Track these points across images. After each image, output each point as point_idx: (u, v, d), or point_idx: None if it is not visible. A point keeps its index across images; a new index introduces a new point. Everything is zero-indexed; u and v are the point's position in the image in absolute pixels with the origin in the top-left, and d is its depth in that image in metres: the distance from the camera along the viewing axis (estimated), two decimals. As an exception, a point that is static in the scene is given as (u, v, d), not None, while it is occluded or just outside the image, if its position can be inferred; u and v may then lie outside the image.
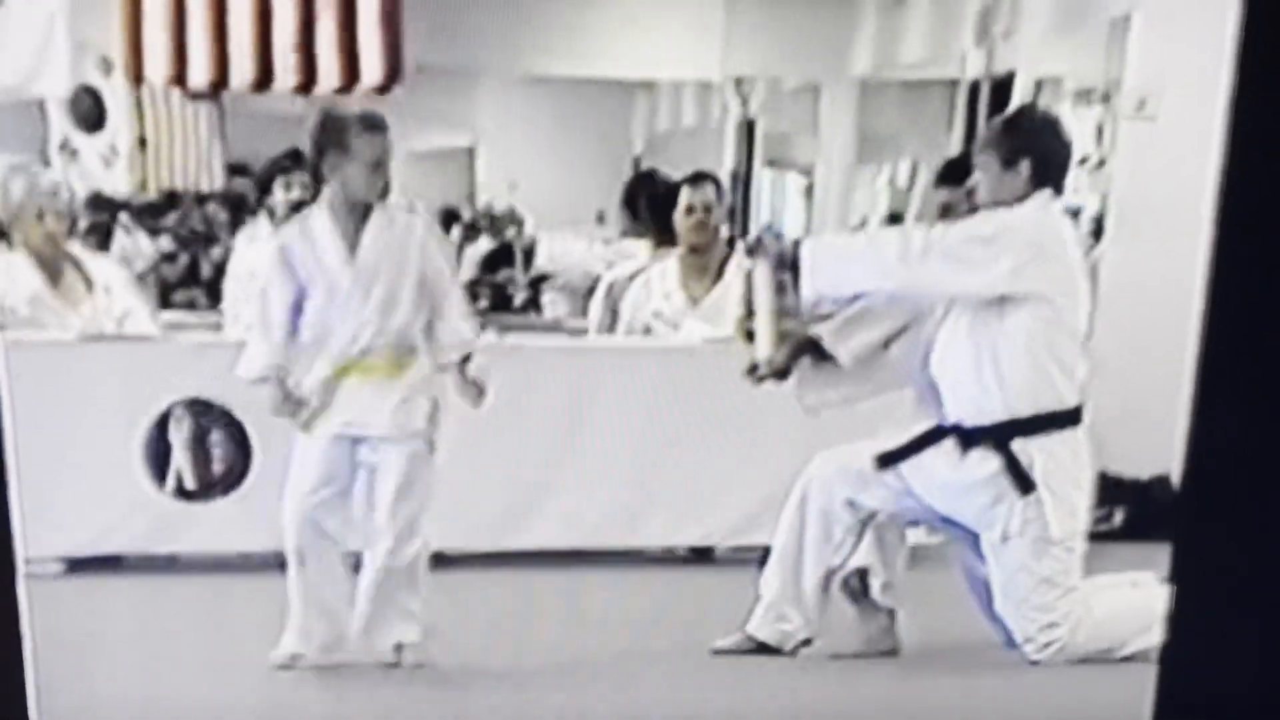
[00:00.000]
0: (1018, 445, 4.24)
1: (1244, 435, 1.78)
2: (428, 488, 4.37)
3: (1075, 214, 6.19)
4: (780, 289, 4.35)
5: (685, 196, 5.97)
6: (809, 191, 11.50)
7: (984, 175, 4.34)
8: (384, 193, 4.34)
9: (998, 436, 4.25)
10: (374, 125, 4.25)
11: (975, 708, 4.13)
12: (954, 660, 4.51)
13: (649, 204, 6.33)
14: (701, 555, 5.87)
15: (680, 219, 5.96)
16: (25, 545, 5.30)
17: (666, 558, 5.83)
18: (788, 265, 4.29)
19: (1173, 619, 1.82)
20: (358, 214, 4.28)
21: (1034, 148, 4.31)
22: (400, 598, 4.36)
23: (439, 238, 4.55)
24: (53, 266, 5.74)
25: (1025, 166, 4.28)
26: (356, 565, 4.39)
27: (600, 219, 9.98)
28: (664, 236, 6.13)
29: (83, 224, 6.92)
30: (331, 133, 4.26)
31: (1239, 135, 1.74)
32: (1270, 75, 1.72)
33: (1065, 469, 4.27)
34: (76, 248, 5.96)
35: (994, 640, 4.47)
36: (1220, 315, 1.77)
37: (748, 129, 11.38)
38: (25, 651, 1.74)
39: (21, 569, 1.72)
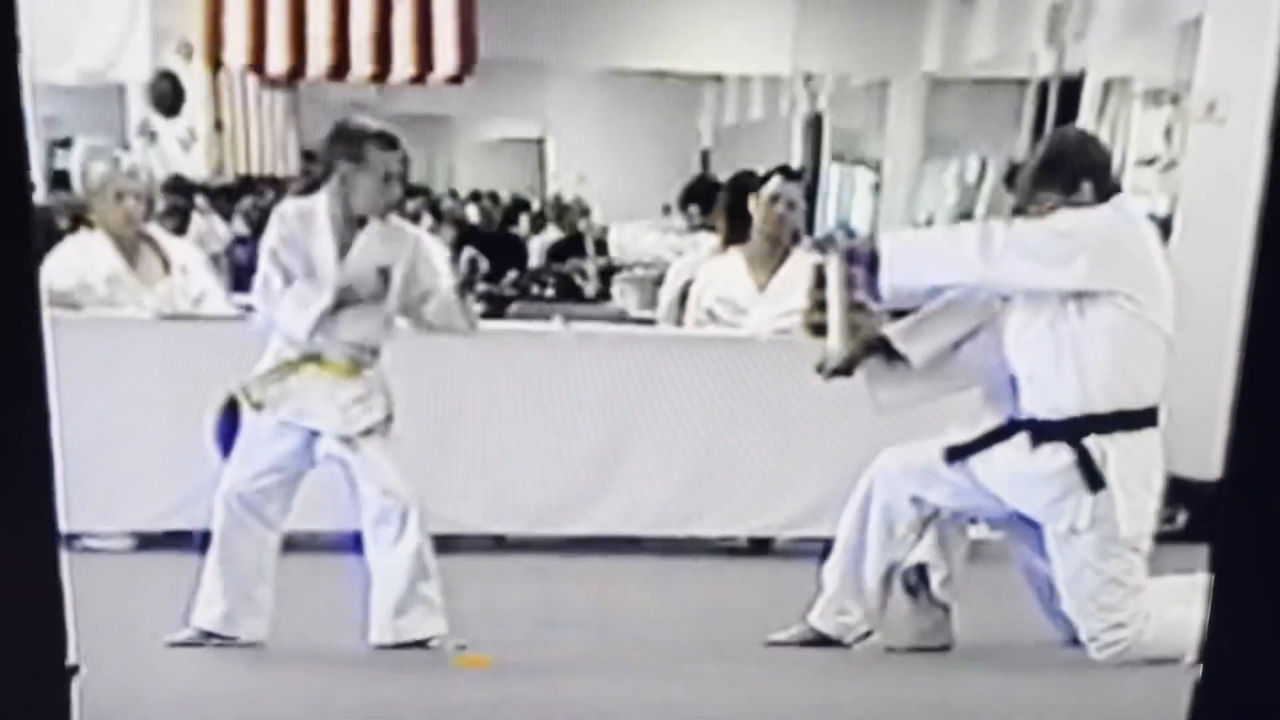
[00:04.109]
0: (1091, 441, 4.21)
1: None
2: (411, 478, 4.42)
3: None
4: (851, 284, 4.35)
5: (774, 185, 5.98)
6: (876, 187, 11.49)
7: (1049, 208, 4.33)
8: (389, 208, 4.43)
9: (1072, 431, 4.22)
10: (390, 142, 4.35)
11: (1029, 704, 4.11)
12: (1009, 656, 4.49)
13: (733, 200, 6.32)
14: (760, 546, 5.89)
15: (764, 207, 5.95)
16: (98, 520, 5.36)
17: (726, 548, 5.85)
18: (860, 261, 4.29)
19: (1212, 620, 1.82)
20: (354, 222, 4.37)
21: (1088, 168, 4.32)
22: (418, 589, 4.37)
23: (429, 255, 4.60)
24: (131, 247, 5.85)
25: (1087, 188, 4.29)
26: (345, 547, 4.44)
27: (666, 211, 10.03)
28: (736, 235, 6.15)
29: (161, 206, 7.02)
30: (347, 143, 4.35)
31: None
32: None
33: (1138, 468, 4.24)
34: (154, 229, 6.07)
35: (1050, 637, 4.46)
36: (1263, 318, 1.76)
37: (815, 124, 11.39)
38: (67, 623, 1.78)
39: (63, 543, 1.75)
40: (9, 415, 1.52)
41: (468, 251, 4.69)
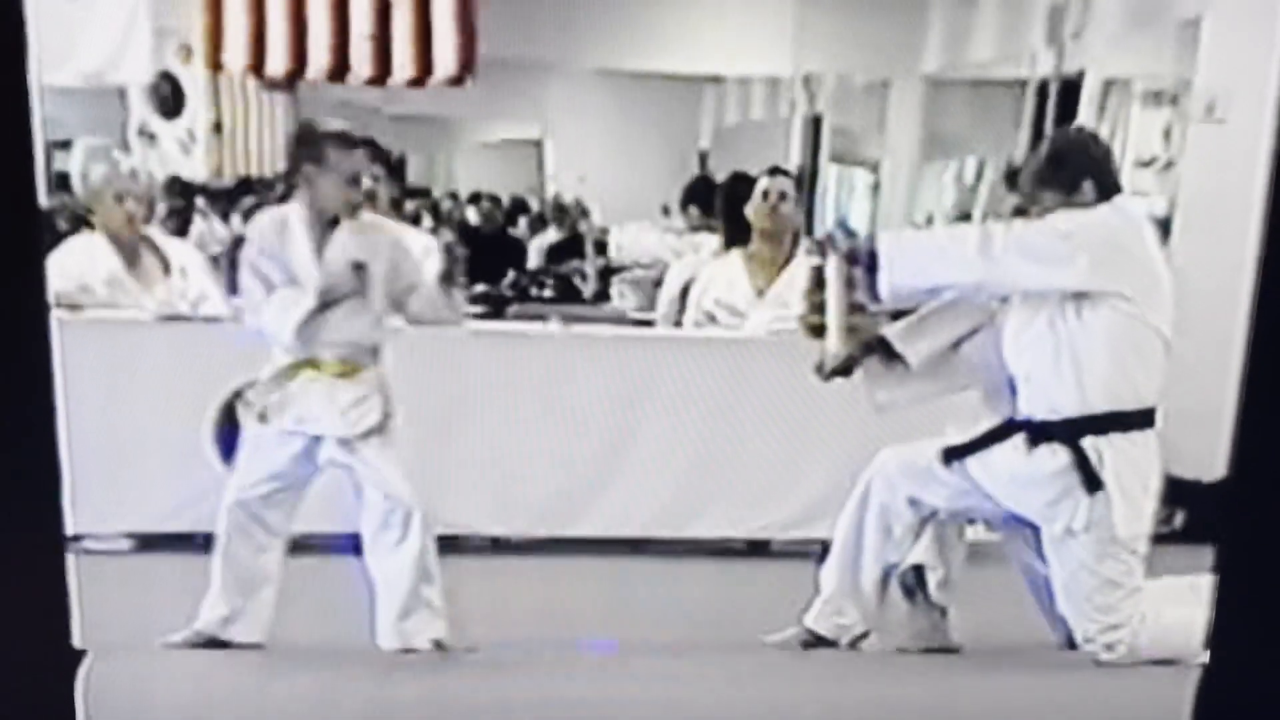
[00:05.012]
0: (1088, 442, 4.21)
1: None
2: (413, 479, 4.42)
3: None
4: (850, 285, 4.35)
5: (763, 183, 6.06)
6: (875, 188, 11.48)
7: (1050, 208, 4.33)
8: (357, 207, 4.43)
9: (1069, 432, 4.23)
10: (350, 142, 4.36)
11: (1027, 706, 4.12)
12: (1007, 658, 4.50)
13: (729, 203, 6.38)
14: (757, 548, 5.89)
15: (755, 204, 6.02)
16: (98, 521, 5.36)
17: (723, 549, 5.85)
18: (859, 261, 4.29)
19: (1215, 622, 1.81)
20: (326, 223, 4.38)
21: (1090, 168, 4.33)
22: (420, 592, 4.37)
23: (408, 248, 4.62)
24: (130, 249, 5.86)
25: (1089, 187, 4.30)
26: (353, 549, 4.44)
27: (665, 212, 10.01)
28: (737, 236, 6.18)
29: (161, 208, 7.03)
30: (308, 145, 4.38)
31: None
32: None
33: (1136, 469, 4.25)
34: (154, 231, 6.08)
35: (1047, 639, 4.46)
36: (1268, 316, 1.76)
37: (815, 125, 11.37)
38: (74, 627, 1.79)
39: (71, 545, 1.75)
40: (15, 417, 1.53)
41: (444, 238, 4.69)
